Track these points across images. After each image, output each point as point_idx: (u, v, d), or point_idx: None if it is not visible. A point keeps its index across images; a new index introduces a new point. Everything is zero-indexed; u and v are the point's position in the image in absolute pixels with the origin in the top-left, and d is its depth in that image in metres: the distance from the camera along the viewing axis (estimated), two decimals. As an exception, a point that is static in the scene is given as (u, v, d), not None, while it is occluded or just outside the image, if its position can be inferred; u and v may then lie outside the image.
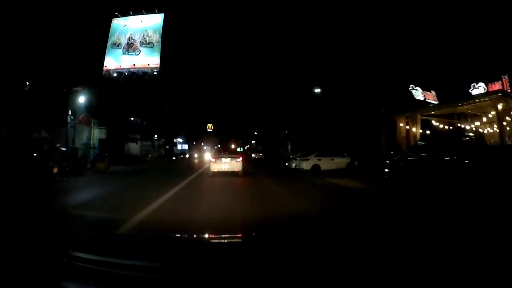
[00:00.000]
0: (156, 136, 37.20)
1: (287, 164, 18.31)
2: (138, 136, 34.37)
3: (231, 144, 49.34)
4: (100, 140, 24.87)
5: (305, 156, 16.55)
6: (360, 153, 17.54)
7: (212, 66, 72.48)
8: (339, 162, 16.14)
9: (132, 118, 33.47)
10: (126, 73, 31.45)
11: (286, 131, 38.32)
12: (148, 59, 30.88)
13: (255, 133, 60.20)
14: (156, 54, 30.80)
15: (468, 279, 1.19)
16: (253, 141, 69.89)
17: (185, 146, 52.59)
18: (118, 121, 28.26)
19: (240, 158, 13.65)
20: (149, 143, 36.45)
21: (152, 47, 31.21)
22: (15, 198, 4.83)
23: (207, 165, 16.56)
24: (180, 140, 51.82)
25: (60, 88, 18.19)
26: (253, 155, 49.08)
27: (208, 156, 37.94)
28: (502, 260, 1.27)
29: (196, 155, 46.52)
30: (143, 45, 31.70)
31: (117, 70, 31.47)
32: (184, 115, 51.19)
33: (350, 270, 1.24)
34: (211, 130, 64.56)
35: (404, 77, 20.19)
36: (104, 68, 31.84)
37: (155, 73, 30.33)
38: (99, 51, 31.48)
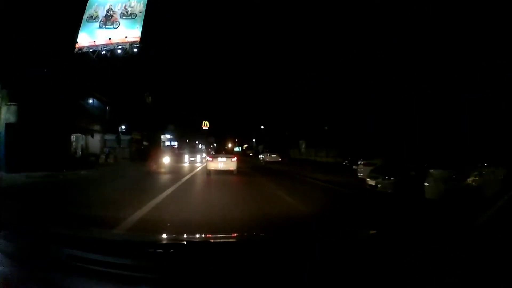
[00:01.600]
0: (123, 127, 27.65)
1: (369, 180, 10.58)
2: (98, 127, 24.35)
3: (228, 143, 43.98)
4: (7, 126, 14.71)
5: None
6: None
7: (209, 52, 67.03)
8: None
9: (90, 101, 24.82)
10: (103, 51, 25.58)
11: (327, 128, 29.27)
12: (127, 32, 24.79)
13: (262, 126, 53.66)
14: (138, 26, 24.52)
15: None
16: (253, 139, 64.13)
17: (175, 144, 46.10)
18: (52, 97, 16.94)
19: (235, 158, 15.17)
20: (113, 137, 26.08)
21: (134, 18, 25.02)
22: None
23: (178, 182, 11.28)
24: (168, 136, 45.19)
25: None
26: (261, 156, 34.28)
27: (187, 158, 28.60)
28: None
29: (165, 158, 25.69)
30: (124, 17, 25.62)
31: (91, 47, 25.60)
32: (176, 110, 45.26)
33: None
34: (207, 128, 59.74)
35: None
36: (77, 45, 25.92)
37: (135, 49, 24.29)
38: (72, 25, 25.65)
